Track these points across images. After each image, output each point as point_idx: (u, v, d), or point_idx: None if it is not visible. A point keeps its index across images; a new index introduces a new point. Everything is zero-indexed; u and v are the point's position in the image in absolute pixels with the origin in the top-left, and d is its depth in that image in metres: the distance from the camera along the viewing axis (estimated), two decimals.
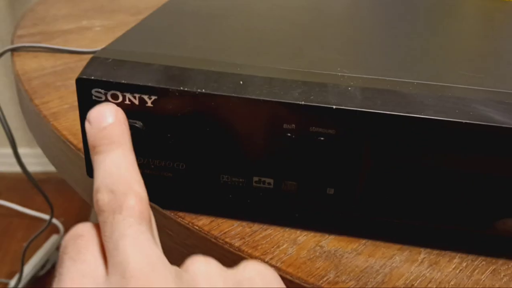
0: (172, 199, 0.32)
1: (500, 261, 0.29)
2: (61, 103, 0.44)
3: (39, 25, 0.64)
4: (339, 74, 0.29)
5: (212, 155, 0.29)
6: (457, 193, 0.28)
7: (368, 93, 0.27)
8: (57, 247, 1.26)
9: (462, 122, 0.26)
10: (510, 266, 0.29)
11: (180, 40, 0.34)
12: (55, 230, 1.32)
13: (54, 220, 1.32)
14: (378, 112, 0.26)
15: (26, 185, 1.49)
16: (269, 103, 0.27)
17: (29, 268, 1.17)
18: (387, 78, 0.29)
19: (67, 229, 1.30)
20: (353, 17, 0.45)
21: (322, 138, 0.27)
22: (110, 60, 0.29)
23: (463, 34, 0.42)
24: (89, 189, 0.38)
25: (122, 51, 0.31)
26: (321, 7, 0.46)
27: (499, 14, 0.51)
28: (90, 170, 0.30)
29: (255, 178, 0.29)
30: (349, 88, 0.28)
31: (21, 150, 0.61)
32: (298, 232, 0.30)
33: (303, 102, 0.27)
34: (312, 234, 0.30)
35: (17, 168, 0.64)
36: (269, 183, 0.29)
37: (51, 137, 0.40)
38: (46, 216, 1.31)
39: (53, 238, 1.27)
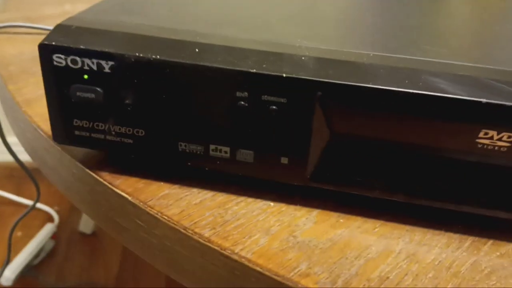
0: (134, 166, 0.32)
1: (482, 252, 0.28)
2: (36, 89, 0.42)
3: (22, 10, 0.62)
4: (298, 45, 0.29)
5: (170, 122, 0.29)
6: (409, 163, 0.28)
7: (322, 63, 0.27)
8: (52, 236, 1.25)
9: (408, 91, 0.26)
10: (492, 257, 0.28)
11: (148, 9, 0.34)
12: (50, 218, 1.31)
13: (48, 209, 1.32)
14: (326, 81, 0.26)
15: (20, 174, 1.49)
16: (221, 70, 0.27)
17: (23, 257, 1.16)
18: (345, 50, 0.29)
19: (61, 217, 1.30)
20: None
21: (274, 107, 0.28)
22: (74, 27, 0.30)
23: (434, 10, 0.41)
24: (62, 177, 0.37)
25: (87, 19, 0.31)
26: None
27: None
28: (56, 136, 0.31)
29: (212, 146, 0.30)
30: (303, 58, 0.28)
31: (13, 139, 0.60)
32: (272, 221, 0.29)
33: (254, 70, 0.27)
34: (286, 223, 0.29)
35: (9, 157, 0.63)
36: (225, 151, 0.30)
37: (24, 124, 0.39)
38: (39, 205, 1.30)
39: (48, 226, 1.26)
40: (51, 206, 1.33)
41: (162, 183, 0.31)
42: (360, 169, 0.29)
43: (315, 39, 0.31)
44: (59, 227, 1.29)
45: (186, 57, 0.28)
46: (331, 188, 0.30)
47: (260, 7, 0.38)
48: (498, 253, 0.28)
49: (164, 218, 0.29)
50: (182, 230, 0.28)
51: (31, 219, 1.28)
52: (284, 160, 0.29)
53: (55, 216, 1.31)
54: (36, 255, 1.20)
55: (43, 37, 0.30)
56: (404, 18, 0.37)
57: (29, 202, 1.35)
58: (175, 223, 0.28)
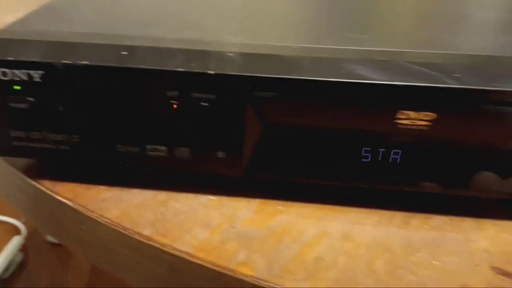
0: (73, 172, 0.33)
1: (412, 227, 0.29)
2: None
3: None
4: (225, 41, 0.30)
5: (104, 126, 0.30)
6: (339, 148, 0.30)
7: (248, 58, 0.28)
8: (20, 248, 1.23)
9: (330, 80, 0.27)
10: (422, 230, 0.29)
11: (78, 16, 0.35)
12: (17, 231, 1.29)
13: (15, 221, 1.30)
14: (251, 75, 0.27)
15: None
16: (149, 71, 0.28)
17: None
18: (272, 44, 0.30)
19: (29, 230, 1.28)
20: None
21: (205, 103, 0.28)
22: (2, 39, 0.30)
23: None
24: (6, 189, 0.37)
25: (17, 30, 0.32)
26: None
27: None
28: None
29: (149, 147, 0.30)
30: (231, 54, 0.29)
31: None
32: (212, 215, 0.30)
33: (182, 69, 0.28)
34: (226, 216, 0.30)
35: None
36: (162, 151, 0.30)
37: None
38: (4, 218, 1.28)
39: (15, 239, 1.24)
40: (17, 218, 1.31)
41: (103, 186, 0.32)
42: (294, 157, 0.30)
43: (242, 34, 0.31)
44: (28, 238, 1.27)
45: (114, 61, 0.28)
46: (268, 177, 0.31)
47: (188, 3, 0.38)
48: (427, 226, 0.30)
49: (104, 220, 0.29)
50: (123, 231, 0.29)
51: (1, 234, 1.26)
52: (221, 154, 0.30)
53: (22, 228, 1.29)
54: (6, 269, 1.18)
55: None
56: (330, 7, 0.39)
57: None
58: (115, 224, 0.29)
